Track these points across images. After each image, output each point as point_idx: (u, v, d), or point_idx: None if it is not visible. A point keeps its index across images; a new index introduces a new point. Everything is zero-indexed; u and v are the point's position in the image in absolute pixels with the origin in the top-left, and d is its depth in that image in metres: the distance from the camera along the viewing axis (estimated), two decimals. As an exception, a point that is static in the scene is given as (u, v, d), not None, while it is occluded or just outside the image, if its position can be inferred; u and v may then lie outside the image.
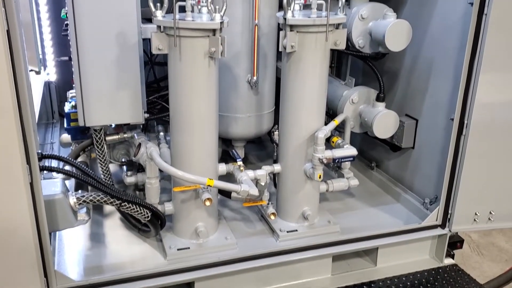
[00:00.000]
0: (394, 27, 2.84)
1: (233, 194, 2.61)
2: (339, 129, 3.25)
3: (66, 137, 3.29)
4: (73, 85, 3.64)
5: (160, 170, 2.67)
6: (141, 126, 3.15)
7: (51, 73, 4.56)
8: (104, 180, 2.88)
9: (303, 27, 2.55)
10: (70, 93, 3.54)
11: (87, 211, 2.51)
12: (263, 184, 2.72)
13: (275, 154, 3.11)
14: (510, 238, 4.59)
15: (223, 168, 2.78)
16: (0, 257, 2.15)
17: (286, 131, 2.83)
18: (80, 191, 2.58)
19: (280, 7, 2.92)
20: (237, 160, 2.85)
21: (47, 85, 4.58)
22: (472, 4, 2.55)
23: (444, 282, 2.81)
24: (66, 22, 3.32)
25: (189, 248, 2.70)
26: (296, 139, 2.79)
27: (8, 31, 1.89)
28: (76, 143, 3.24)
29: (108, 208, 3.13)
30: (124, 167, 3.21)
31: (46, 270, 2.27)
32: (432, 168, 3.07)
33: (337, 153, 2.77)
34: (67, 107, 3.22)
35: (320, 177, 2.73)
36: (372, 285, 2.78)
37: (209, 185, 2.51)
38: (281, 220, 2.95)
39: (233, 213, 3.13)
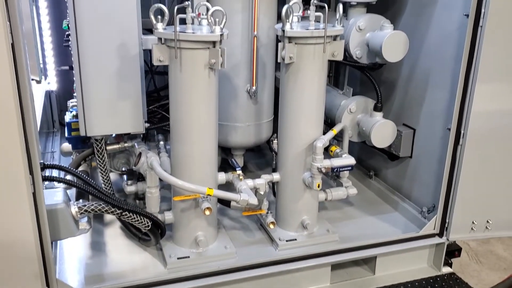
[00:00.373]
0: (391, 38, 2.87)
1: (233, 203, 2.65)
2: (338, 138, 3.28)
3: (67, 146, 3.32)
4: (74, 95, 3.69)
5: (160, 179, 2.70)
6: (142, 135, 3.18)
7: (52, 82, 4.59)
8: (105, 189, 2.91)
9: (301, 39, 2.59)
10: (71, 103, 3.57)
11: (88, 220, 2.53)
12: (262, 193, 2.75)
13: (274, 162, 3.14)
14: (509, 246, 4.60)
15: (222, 177, 2.81)
16: (2, 267, 2.17)
17: (285, 140, 2.86)
18: (81, 200, 2.61)
19: (279, 18, 2.96)
20: (237, 169, 2.88)
21: (48, 94, 4.62)
22: (467, 16, 2.59)
23: (442, 290, 2.84)
24: (67, 33, 3.36)
25: (189, 257, 2.72)
26: (295, 148, 2.82)
27: (12, 44, 1.92)
28: (76, 152, 3.27)
29: (108, 217, 3.15)
30: (124, 176, 3.24)
31: (48, 279, 2.29)
32: (430, 177, 3.10)
33: (336, 162, 2.80)
34: (68, 117, 3.25)
35: (319, 186, 2.76)
36: (371, 293, 2.80)
37: (209, 195, 2.54)
38: (280, 229, 2.97)
39: (232, 222, 3.15)
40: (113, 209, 2.52)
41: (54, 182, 2.53)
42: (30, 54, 3.69)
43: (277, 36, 2.90)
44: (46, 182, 2.56)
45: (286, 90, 2.76)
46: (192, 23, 2.47)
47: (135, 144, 3.05)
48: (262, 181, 2.78)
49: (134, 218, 2.60)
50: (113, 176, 3.32)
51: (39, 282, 2.24)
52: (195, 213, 2.70)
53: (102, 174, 2.98)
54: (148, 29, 2.73)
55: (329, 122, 3.44)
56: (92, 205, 2.48)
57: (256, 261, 2.73)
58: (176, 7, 2.33)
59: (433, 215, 2.99)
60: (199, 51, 2.40)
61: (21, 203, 2.09)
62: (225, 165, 3.46)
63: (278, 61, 2.71)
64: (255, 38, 2.96)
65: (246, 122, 3.19)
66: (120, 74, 2.65)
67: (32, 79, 3.92)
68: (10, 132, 1.99)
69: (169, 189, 2.97)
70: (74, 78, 2.68)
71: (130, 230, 2.89)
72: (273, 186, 3.15)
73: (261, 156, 4.16)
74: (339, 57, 2.71)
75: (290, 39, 2.60)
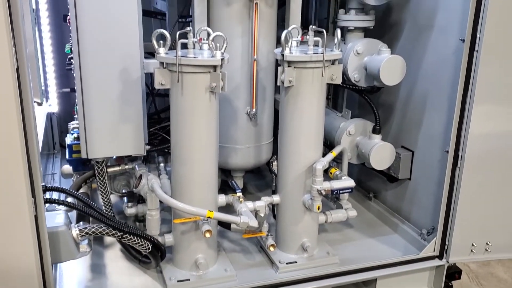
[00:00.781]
0: (389, 62, 2.92)
1: (233, 226, 2.65)
2: (337, 160, 3.30)
3: (68, 168, 3.33)
4: (75, 116, 3.72)
5: (161, 201, 2.71)
6: (142, 157, 3.20)
7: (53, 104, 4.63)
8: (105, 211, 2.92)
9: (300, 63, 2.63)
10: (72, 125, 3.60)
11: (89, 243, 2.53)
12: (262, 215, 2.75)
13: (274, 184, 3.16)
14: (509, 268, 4.58)
15: (222, 199, 2.82)
16: (3, 289, 2.17)
17: (285, 162, 2.88)
18: (81, 222, 2.62)
19: (278, 42, 3.01)
20: (237, 191, 2.89)
21: (49, 116, 4.65)
22: (463, 41, 2.65)
23: (442, 313, 2.83)
24: (69, 56, 3.41)
25: (189, 279, 2.71)
26: (295, 170, 2.84)
27: (17, 69, 1.96)
28: (77, 174, 3.28)
29: (108, 239, 3.15)
30: (125, 198, 3.25)
31: (48, 302, 2.28)
32: (429, 199, 3.11)
33: (335, 184, 2.81)
34: (69, 139, 3.28)
35: (319, 209, 2.77)
36: (371, 316, 2.79)
37: (209, 217, 2.55)
38: (281, 251, 2.97)
39: (232, 244, 3.15)
40: (113, 232, 2.53)
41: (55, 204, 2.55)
42: (32, 76, 3.73)
43: (276, 59, 2.95)
44: (47, 205, 2.57)
45: (286, 113, 2.80)
46: (194, 48, 2.52)
47: (136, 166, 3.07)
48: (262, 203, 2.79)
49: (135, 240, 2.60)
50: (113, 198, 3.33)
51: (39, 305, 2.23)
52: (195, 236, 2.70)
53: (103, 196, 2.99)
54: (149, 52, 2.78)
55: (328, 144, 3.47)
56: (93, 227, 2.49)
57: (256, 284, 2.72)
58: (178, 33, 2.38)
59: (433, 237, 2.99)
60: (200, 75, 2.44)
61: (23, 226, 2.10)
62: (225, 187, 3.48)
63: (278, 84, 2.75)
64: (255, 61, 3.01)
65: (246, 144, 3.22)
66: (122, 97, 2.68)
67: (34, 101, 3.96)
68: (13, 155, 2.01)
69: (169, 211, 2.97)
70: (76, 101, 2.71)
71: (130, 253, 2.89)
72: (273, 208, 3.16)
73: (261, 178, 4.18)
74: (338, 80, 2.75)
75: (290, 63, 2.64)
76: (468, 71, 2.67)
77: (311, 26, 2.74)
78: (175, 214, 2.69)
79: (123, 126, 2.73)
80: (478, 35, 2.57)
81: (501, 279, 4.43)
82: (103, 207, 3.02)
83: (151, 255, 2.71)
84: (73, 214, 2.84)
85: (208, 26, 2.91)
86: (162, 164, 3.32)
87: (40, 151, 3.40)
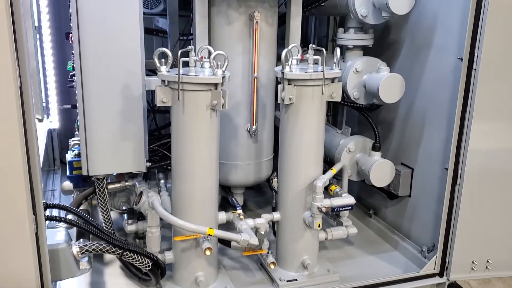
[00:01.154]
0: (388, 81, 2.95)
1: (233, 243, 2.65)
2: (337, 177, 3.31)
3: (68, 184, 3.34)
4: (76, 133, 3.74)
5: (161, 218, 2.71)
6: (142, 174, 3.20)
7: (54, 121, 4.65)
8: (105, 228, 2.92)
9: (300, 81, 2.66)
10: (72, 141, 3.62)
11: (89, 260, 2.53)
12: (262, 232, 2.75)
13: (274, 201, 3.16)
14: (510, 286, 4.56)
15: (223, 216, 2.82)
16: (2, 308, 2.16)
17: (285, 179, 2.89)
18: (82, 239, 2.61)
19: (278, 60, 3.05)
20: (237, 208, 2.90)
21: (50, 132, 4.66)
22: (461, 59, 2.68)
23: (444, 331, 2.81)
24: (71, 74, 3.44)
25: (189, 297, 2.70)
26: (295, 187, 2.84)
27: (21, 87, 1.98)
28: (77, 191, 3.28)
29: (108, 256, 3.13)
30: (125, 215, 3.25)
31: (47, 321, 2.27)
32: (429, 216, 3.12)
33: (336, 202, 2.81)
34: (69, 155, 3.29)
35: (319, 226, 2.77)
36: (372, 335, 2.77)
37: (209, 235, 2.55)
38: (281, 269, 2.96)
39: (232, 261, 3.14)
40: (114, 249, 2.53)
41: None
42: (34, 93, 3.75)
43: (276, 77, 2.97)
44: (48, 222, 2.57)
45: (286, 130, 2.81)
46: (195, 66, 2.54)
47: (136, 183, 3.07)
48: (262, 220, 2.80)
49: (135, 258, 2.59)
50: (113, 214, 3.33)
51: (38, 324, 2.22)
52: (195, 253, 2.70)
53: (103, 213, 2.99)
54: (151, 70, 2.81)
55: (328, 161, 3.49)
56: (93, 245, 2.49)
57: (257, 301, 2.71)
58: (179, 51, 2.40)
59: (433, 255, 2.99)
60: (201, 93, 2.46)
61: (24, 243, 2.10)
62: (225, 204, 3.48)
63: (278, 101, 2.77)
64: (255, 79, 3.04)
65: (246, 160, 3.23)
66: (123, 114, 2.70)
67: (35, 118, 3.98)
68: (15, 173, 2.02)
69: (169, 228, 2.97)
70: (78, 118, 2.73)
71: (130, 270, 2.87)
72: (273, 226, 3.15)
73: (261, 194, 4.18)
74: (337, 98, 2.77)
75: (290, 81, 2.67)
76: (466, 90, 2.69)
77: (310, 44, 2.78)
78: (175, 231, 2.69)
79: (124, 143, 2.75)
80: (476, 54, 2.60)
81: (502, 297, 4.40)
82: (103, 224, 3.01)
83: (151, 272, 2.70)
84: (73, 231, 2.84)
85: (209, 44, 2.95)
86: (162, 181, 3.33)
87: (41, 167, 3.41)
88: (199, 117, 2.51)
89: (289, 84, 2.67)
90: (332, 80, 2.74)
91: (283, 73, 2.65)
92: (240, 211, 2.84)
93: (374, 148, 3.23)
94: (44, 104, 4.50)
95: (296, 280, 2.89)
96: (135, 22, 2.63)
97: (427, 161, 3.14)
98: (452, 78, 2.83)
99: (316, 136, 2.79)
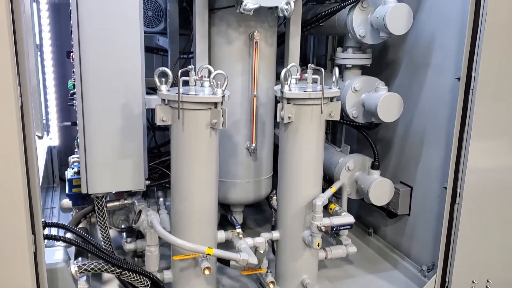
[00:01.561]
0: (386, 100, 2.97)
1: (232, 262, 2.63)
2: (337, 195, 3.31)
3: (67, 202, 3.34)
4: (75, 150, 3.75)
5: (160, 237, 2.70)
6: (141, 192, 3.20)
7: (53, 138, 4.66)
8: (104, 247, 2.91)
9: (299, 100, 2.67)
10: (72, 159, 3.63)
11: (87, 279, 2.52)
12: (262, 252, 2.74)
13: (274, 219, 3.15)
14: (510, 304, 4.53)
15: (222, 235, 2.81)
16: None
17: (284, 198, 2.89)
18: (80, 258, 2.60)
19: (277, 79, 3.07)
20: (236, 227, 2.89)
21: (50, 149, 4.67)
22: (459, 79, 2.70)
23: None
24: (72, 92, 3.46)
25: (187, 317, 2.68)
26: (295, 206, 2.84)
27: (21, 107, 1.99)
28: (76, 209, 3.28)
29: (107, 274, 3.11)
30: (124, 233, 3.23)
31: None
32: (428, 235, 3.11)
33: (335, 221, 2.81)
34: (69, 173, 3.29)
35: (318, 245, 2.75)
36: None
37: (208, 254, 2.54)
38: (280, 288, 2.95)
39: (231, 281, 3.12)
40: (112, 268, 2.51)
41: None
42: (34, 110, 3.78)
43: (276, 96, 2.99)
44: (46, 240, 2.56)
45: (286, 148, 2.82)
46: (195, 85, 2.56)
47: (135, 201, 3.07)
48: (261, 239, 2.79)
49: (133, 277, 2.58)
50: (112, 232, 3.32)
51: None
52: (194, 272, 2.68)
53: (102, 231, 2.99)
54: (151, 88, 2.82)
55: (327, 178, 3.49)
56: (92, 264, 2.48)
57: (256, 321, 2.69)
58: (180, 71, 2.43)
59: (433, 274, 2.97)
60: (201, 112, 2.48)
61: (22, 262, 2.08)
62: (224, 222, 3.47)
63: (278, 120, 2.79)
64: (254, 97, 3.06)
65: (246, 178, 3.23)
66: (123, 133, 2.72)
67: (35, 135, 3.99)
68: (14, 192, 2.01)
69: (168, 246, 2.96)
70: (78, 137, 2.74)
71: (129, 289, 2.86)
72: (273, 244, 3.14)
73: (260, 212, 4.17)
74: (336, 117, 2.79)
75: (289, 100, 2.68)
76: (464, 109, 2.70)
77: (309, 64, 2.80)
78: (174, 250, 2.68)
79: (124, 161, 2.75)
80: (473, 74, 2.62)
81: (503, 316, 4.36)
82: (102, 242, 3.00)
83: (149, 292, 2.69)
84: (72, 249, 2.82)
85: (209, 63, 2.98)
86: (161, 199, 3.33)
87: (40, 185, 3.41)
88: (198, 135, 2.52)
89: (288, 103, 2.68)
90: (331, 99, 2.76)
91: (282, 92, 2.67)
92: (239, 230, 2.83)
93: (373, 166, 3.23)
94: (44, 121, 4.52)
95: (296, 299, 2.87)
96: (135, 41, 2.66)
97: (426, 180, 3.14)
98: (450, 97, 2.85)
99: (315, 154, 2.80)
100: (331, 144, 3.74)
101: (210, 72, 2.54)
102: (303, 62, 3.63)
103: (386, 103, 2.98)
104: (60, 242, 2.58)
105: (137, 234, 3.14)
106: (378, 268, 3.38)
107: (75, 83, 2.70)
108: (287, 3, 2.69)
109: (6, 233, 2.05)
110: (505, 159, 2.82)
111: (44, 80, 4.46)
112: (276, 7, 2.72)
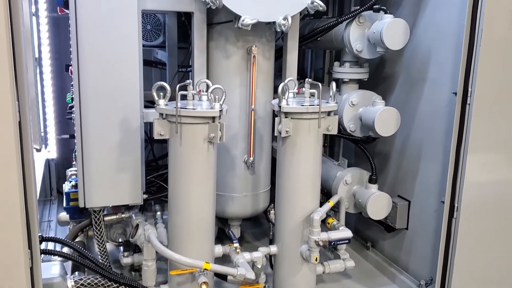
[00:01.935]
0: (383, 114, 2.98)
1: (230, 277, 2.62)
2: (334, 209, 3.31)
3: (65, 216, 3.32)
4: (73, 163, 3.74)
5: (157, 251, 2.69)
6: (139, 206, 3.19)
7: (51, 151, 4.66)
8: (101, 261, 2.89)
9: (297, 114, 2.69)
10: (70, 171, 3.62)
11: (83, 294, 2.50)
12: (259, 266, 2.73)
13: (271, 233, 3.14)
14: (509, 318, 4.50)
15: (219, 250, 2.80)
16: None
17: (282, 212, 2.88)
18: (77, 272, 2.59)
19: (275, 92, 3.09)
20: (234, 241, 2.88)
21: (47, 162, 4.67)
22: (455, 94, 2.72)
23: None
24: (70, 105, 3.47)
25: (184, 332, 2.66)
26: (292, 220, 2.83)
27: (20, 122, 2.00)
28: (74, 222, 3.27)
29: (103, 289, 3.10)
30: (121, 247, 3.22)
31: None
32: (427, 249, 3.10)
33: (333, 235, 2.80)
34: (66, 186, 3.28)
35: (316, 260, 2.75)
36: None
37: (205, 269, 2.53)
38: (278, 303, 2.93)
39: (229, 295, 3.10)
40: (109, 283, 2.50)
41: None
42: (32, 124, 3.78)
43: (273, 109, 3.01)
44: (43, 255, 2.55)
45: (283, 162, 2.83)
46: (193, 99, 2.57)
47: (133, 215, 3.06)
48: (259, 254, 2.78)
49: (130, 292, 2.57)
50: (109, 246, 3.30)
51: None
52: (191, 287, 2.67)
53: (99, 245, 2.97)
54: (149, 101, 2.83)
55: (325, 192, 3.49)
56: (89, 278, 2.47)
57: (253, 337, 2.67)
58: (178, 86, 2.44)
59: (432, 289, 2.97)
60: (199, 126, 2.49)
61: (18, 277, 2.08)
62: (221, 235, 3.46)
63: (275, 134, 2.79)
64: (252, 111, 3.07)
65: (243, 192, 3.23)
66: (121, 146, 2.72)
67: (33, 148, 3.99)
68: (11, 207, 2.01)
69: (165, 261, 2.94)
70: (76, 151, 2.74)
71: (125, 304, 2.84)
72: (270, 259, 3.13)
73: (258, 226, 4.16)
74: (334, 131, 2.80)
75: (286, 114, 2.70)
76: (461, 123, 2.71)
77: (307, 79, 2.82)
78: (171, 265, 2.67)
79: (122, 175, 2.75)
80: (469, 89, 2.63)
81: (502, 331, 4.33)
82: (99, 256, 2.99)
83: (146, 306, 2.67)
84: (69, 263, 2.81)
85: (208, 77, 2.99)
86: (159, 213, 3.32)
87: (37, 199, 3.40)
88: (196, 149, 2.52)
89: (285, 117, 2.69)
90: (329, 113, 2.77)
91: (280, 106, 2.68)
92: (236, 245, 2.82)
93: (371, 180, 3.23)
94: (42, 134, 4.52)
95: (293, 314, 2.85)
96: (134, 56, 2.68)
97: (423, 194, 3.14)
98: (447, 112, 2.87)
99: (313, 169, 2.81)
100: (329, 157, 3.75)
101: (208, 86, 2.55)
102: (301, 76, 3.65)
103: (384, 117, 2.99)
104: (57, 256, 2.57)
105: (134, 248, 3.12)
106: (376, 282, 3.36)
107: (73, 97, 2.70)
108: (285, 18, 2.71)
109: (2, 248, 2.04)
110: (502, 173, 2.83)
111: (42, 93, 4.48)
112: (274, 22, 2.74)
